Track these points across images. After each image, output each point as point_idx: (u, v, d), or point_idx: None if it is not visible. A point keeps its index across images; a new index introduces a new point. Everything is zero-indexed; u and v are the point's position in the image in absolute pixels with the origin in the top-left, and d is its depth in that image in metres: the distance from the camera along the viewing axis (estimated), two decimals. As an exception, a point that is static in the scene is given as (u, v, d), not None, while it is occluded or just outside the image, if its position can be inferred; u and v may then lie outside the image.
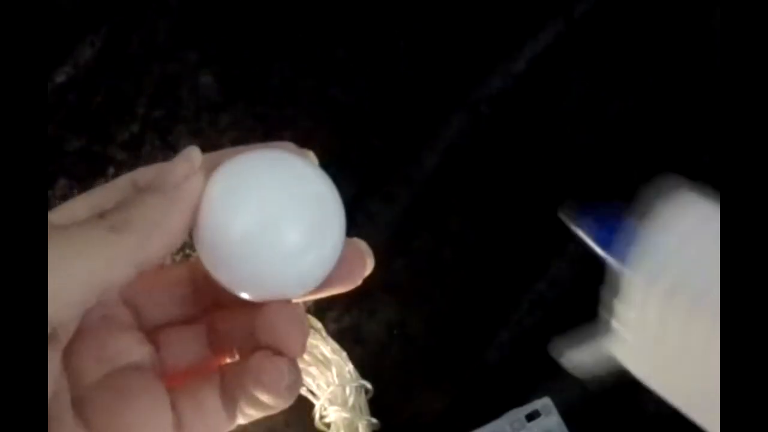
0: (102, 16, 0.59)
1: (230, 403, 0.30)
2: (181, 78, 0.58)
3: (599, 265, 0.32)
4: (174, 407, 0.30)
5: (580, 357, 0.35)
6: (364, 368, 0.50)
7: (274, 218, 0.28)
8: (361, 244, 0.31)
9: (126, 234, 0.26)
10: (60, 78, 0.57)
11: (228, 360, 0.32)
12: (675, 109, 0.57)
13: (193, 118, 0.57)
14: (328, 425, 0.48)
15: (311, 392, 0.49)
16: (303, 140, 0.31)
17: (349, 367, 0.49)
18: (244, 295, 0.29)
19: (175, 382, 0.31)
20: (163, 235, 0.28)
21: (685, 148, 0.56)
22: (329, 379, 0.48)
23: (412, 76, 0.58)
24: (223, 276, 0.29)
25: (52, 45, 0.57)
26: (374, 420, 0.48)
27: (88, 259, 0.26)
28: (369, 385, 0.49)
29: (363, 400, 0.48)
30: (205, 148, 0.29)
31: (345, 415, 0.47)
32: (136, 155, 0.56)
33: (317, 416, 0.49)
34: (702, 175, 0.55)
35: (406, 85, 0.58)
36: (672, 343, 0.29)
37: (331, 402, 0.48)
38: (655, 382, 0.31)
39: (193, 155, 0.29)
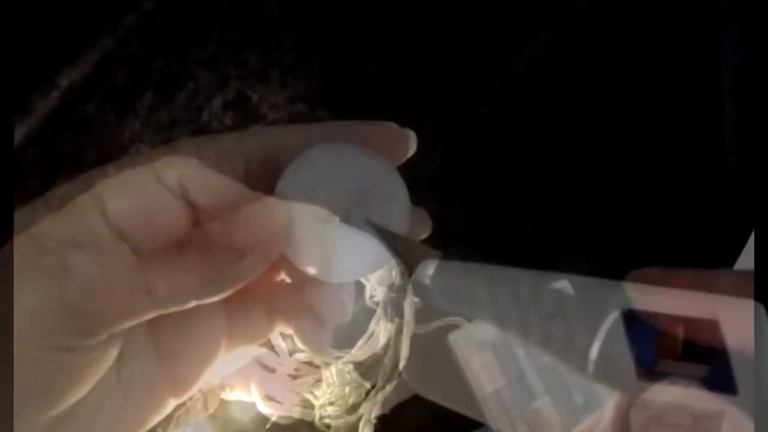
0: (102, 16, 0.59)
1: (274, 318, 0.37)
2: (182, 78, 0.58)
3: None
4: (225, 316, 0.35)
5: None
6: (364, 368, 0.50)
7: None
8: None
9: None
10: (60, 78, 0.57)
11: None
12: (676, 110, 0.57)
13: (193, 118, 0.57)
14: (328, 425, 0.48)
15: (311, 392, 0.49)
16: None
17: (349, 367, 0.49)
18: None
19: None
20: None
21: (685, 149, 0.56)
22: (329, 379, 0.48)
23: (411, 76, 0.58)
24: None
25: (52, 45, 0.57)
26: (374, 420, 0.48)
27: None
28: (369, 385, 0.49)
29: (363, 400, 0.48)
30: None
31: (345, 415, 0.47)
32: (136, 156, 0.56)
33: (317, 416, 0.49)
34: (703, 175, 0.55)
35: (406, 85, 0.58)
36: None
37: (331, 402, 0.48)
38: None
39: (282, 210, 0.33)
